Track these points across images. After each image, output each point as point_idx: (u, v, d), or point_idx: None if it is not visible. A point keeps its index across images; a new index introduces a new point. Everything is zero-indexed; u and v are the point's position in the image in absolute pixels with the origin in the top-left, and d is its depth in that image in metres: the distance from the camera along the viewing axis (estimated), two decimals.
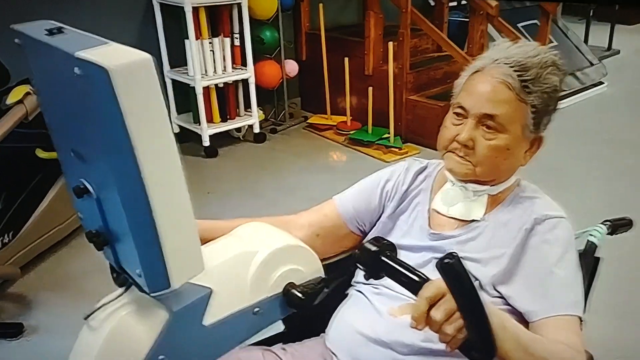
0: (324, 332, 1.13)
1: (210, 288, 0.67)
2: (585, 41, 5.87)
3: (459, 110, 1.00)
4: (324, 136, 3.97)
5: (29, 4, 2.97)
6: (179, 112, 3.85)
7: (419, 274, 0.72)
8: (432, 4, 4.66)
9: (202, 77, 3.50)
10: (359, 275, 1.12)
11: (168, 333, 0.65)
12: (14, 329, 2.02)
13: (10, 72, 2.59)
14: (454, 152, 1.01)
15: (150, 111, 0.51)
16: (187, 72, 3.63)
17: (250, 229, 0.77)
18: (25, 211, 2.38)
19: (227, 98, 3.75)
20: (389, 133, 3.73)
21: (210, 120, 3.67)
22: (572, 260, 0.96)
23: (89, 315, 0.68)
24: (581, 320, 0.92)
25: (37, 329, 2.07)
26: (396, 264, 0.74)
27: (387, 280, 1.01)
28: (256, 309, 0.72)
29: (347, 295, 1.15)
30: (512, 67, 0.96)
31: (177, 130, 3.84)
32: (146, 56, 0.49)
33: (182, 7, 3.30)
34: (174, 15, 3.54)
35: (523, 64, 0.96)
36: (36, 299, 2.23)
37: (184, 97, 3.76)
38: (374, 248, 0.75)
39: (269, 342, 1.15)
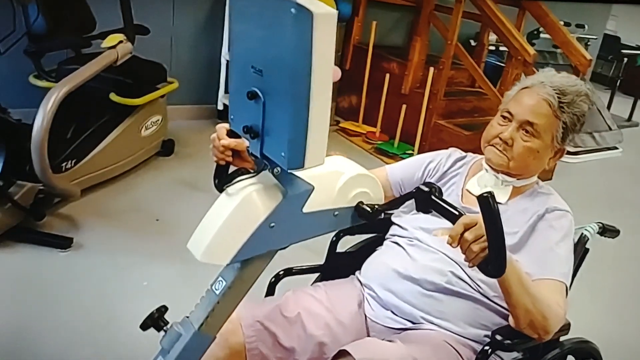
0: (352, 274, 1.40)
1: (313, 186, 0.94)
2: (608, 108, 6.16)
3: (506, 114, 1.28)
4: (353, 142, 4.26)
5: None
6: (226, 91, 4.14)
7: (459, 209, 0.99)
8: (473, 44, 4.97)
9: None
10: (395, 229, 1.39)
11: (279, 209, 0.91)
12: (65, 241, 2.29)
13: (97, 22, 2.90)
14: (494, 146, 1.28)
15: (327, 47, 0.78)
16: None
17: (341, 159, 1.04)
18: (88, 145, 2.67)
19: None
20: (413, 150, 4.02)
21: None
22: (569, 245, 1.23)
23: (228, 185, 0.95)
24: (567, 290, 1.18)
25: (82, 245, 2.34)
26: (442, 202, 1.01)
27: (421, 233, 1.29)
28: (336, 213, 0.99)
29: (377, 248, 1.42)
30: (554, 89, 1.23)
31: (221, 107, 4.14)
32: (333, 11, 0.77)
33: None
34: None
35: (563, 89, 1.23)
36: (83, 222, 2.50)
37: None
38: (426, 189, 1.02)
39: (308, 271, 1.42)
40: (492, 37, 4.67)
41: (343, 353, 1.07)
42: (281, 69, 0.82)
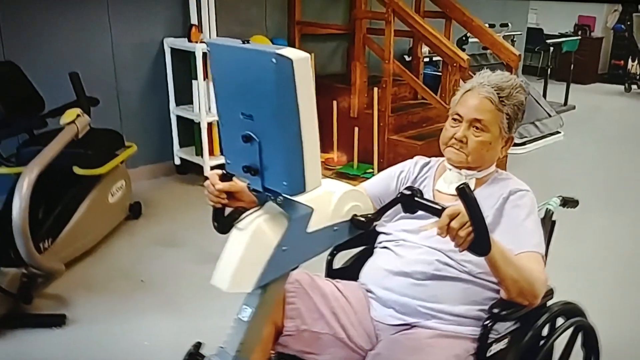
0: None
1: (312, 208, 1.05)
2: (544, 96, 6.56)
3: (456, 117, 1.43)
4: None
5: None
6: (181, 145, 4.20)
7: (441, 204, 1.12)
8: (408, 59, 5.26)
9: (207, 113, 3.89)
10: (381, 237, 1.51)
11: (288, 233, 1.02)
12: (58, 318, 2.30)
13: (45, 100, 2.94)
14: (452, 147, 1.43)
15: (308, 84, 0.90)
16: (192, 109, 4.01)
17: (327, 181, 1.16)
18: (61, 222, 2.69)
19: None
20: (372, 168, 4.19)
21: (211, 153, 4.02)
22: (535, 219, 1.38)
23: (238, 221, 1.05)
24: (543, 258, 1.33)
25: (76, 320, 2.35)
26: (425, 200, 1.14)
27: (405, 234, 1.42)
28: (335, 228, 1.10)
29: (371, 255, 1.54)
30: (493, 87, 1.40)
31: (178, 162, 4.20)
32: (307, 55, 0.90)
33: (193, 52, 3.74)
34: (182, 58, 3.96)
35: (500, 85, 1.40)
36: (71, 297, 2.51)
37: (187, 132, 4.13)
38: (409, 192, 1.15)
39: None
40: (425, 49, 4.97)
41: None
42: (271, 112, 0.94)
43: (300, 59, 0.90)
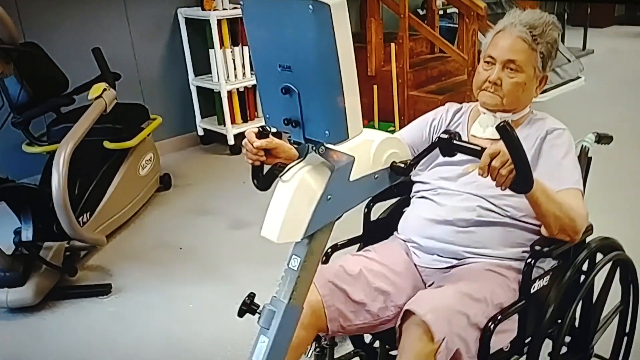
0: (391, 235, 1.54)
1: (354, 156, 1.07)
2: (562, 42, 6.42)
3: (488, 59, 1.42)
4: None
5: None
6: (202, 116, 4.24)
7: (480, 146, 1.13)
8: (422, 13, 5.17)
9: (226, 82, 3.91)
10: (418, 186, 1.52)
11: (331, 182, 1.04)
12: (104, 288, 2.39)
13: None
14: (486, 90, 1.42)
15: (346, 30, 0.91)
16: (211, 79, 4.03)
17: (366, 130, 1.17)
18: (96, 196, 2.76)
19: (247, 101, 4.16)
20: (394, 126, 4.17)
21: (233, 121, 4.06)
22: (573, 157, 1.38)
23: (283, 173, 1.07)
24: (582, 194, 1.34)
25: (121, 289, 2.43)
26: (464, 143, 1.15)
27: (443, 182, 1.43)
28: (376, 176, 1.11)
29: (404, 209, 1.56)
30: (525, 26, 1.37)
31: (201, 133, 4.24)
32: (343, 0, 0.91)
33: (208, 20, 3.72)
34: (197, 28, 3.96)
35: (532, 23, 1.37)
36: (114, 267, 2.60)
37: (207, 102, 4.17)
38: (447, 136, 1.16)
39: (351, 243, 1.55)
40: (439, 1, 4.87)
41: (407, 313, 1.19)
42: (310, 61, 0.95)
43: (338, 3, 0.90)
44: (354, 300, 1.32)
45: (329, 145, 1.03)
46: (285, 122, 1.04)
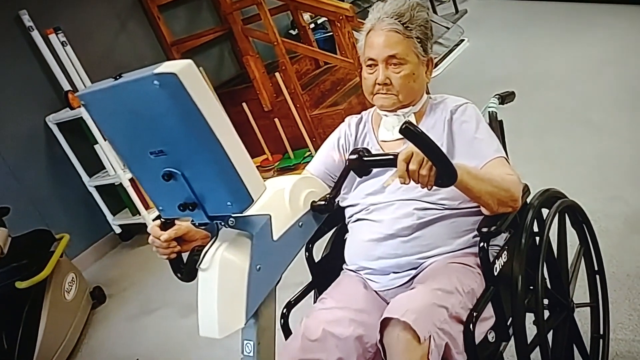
0: (341, 269, 1.44)
1: (269, 214, 0.96)
2: (435, 12, 6.62)
3: (369, 62, 1.36)
4: None
5: None
6: (113, 213, 3.95)
7: (391, 153, 1.06)
8: (294, 33, 5.18)
9: (124, 171, 3.63)
10: (349, 211, 1.43)
11: (255, 250, 0.93)
12: None
13: None
14: (379, 93, 1.36)
15: (205, 92, 0.80)
16: (107, 174, 3.76)
17: (271, 180, 1.07)
18: (29, 340, 2.48)
19: None
20: (309, 150, 4.11)
21: (147, 207, 3.74)
22: (485, 127, 1.34)
23: (199, 263, 0.95)
24: (507, 159, 1.30)
25: None
26: (374, 157, 1.07)
27: (371, 198, 1.35)
28: (300, 224, 1.02)
29: (345, 236, 1.46)
30: (392, 17, 1.32)
31: (118, 230, 3.96)
32: (189, 61, 0.80)
33: (80, 117, 3.45)
34: (73, 128, 3.68)
35: (398, 12, 1.32)
36: None
37: (112, 198, 3.88)
38: (355, 156, 1.08)
39: (304, 294, 1.43)
40: (306, 16, 4.89)
41: (385, 322, 1.10)
42: (180, 138, 0.84)
43: (183, 68, 0.80)
44: None
45: (237, 215, 0.92)
46: (181, 208, 0.92)
